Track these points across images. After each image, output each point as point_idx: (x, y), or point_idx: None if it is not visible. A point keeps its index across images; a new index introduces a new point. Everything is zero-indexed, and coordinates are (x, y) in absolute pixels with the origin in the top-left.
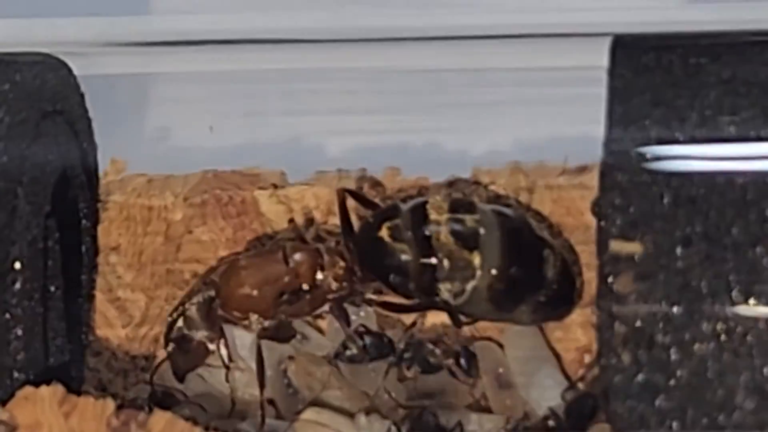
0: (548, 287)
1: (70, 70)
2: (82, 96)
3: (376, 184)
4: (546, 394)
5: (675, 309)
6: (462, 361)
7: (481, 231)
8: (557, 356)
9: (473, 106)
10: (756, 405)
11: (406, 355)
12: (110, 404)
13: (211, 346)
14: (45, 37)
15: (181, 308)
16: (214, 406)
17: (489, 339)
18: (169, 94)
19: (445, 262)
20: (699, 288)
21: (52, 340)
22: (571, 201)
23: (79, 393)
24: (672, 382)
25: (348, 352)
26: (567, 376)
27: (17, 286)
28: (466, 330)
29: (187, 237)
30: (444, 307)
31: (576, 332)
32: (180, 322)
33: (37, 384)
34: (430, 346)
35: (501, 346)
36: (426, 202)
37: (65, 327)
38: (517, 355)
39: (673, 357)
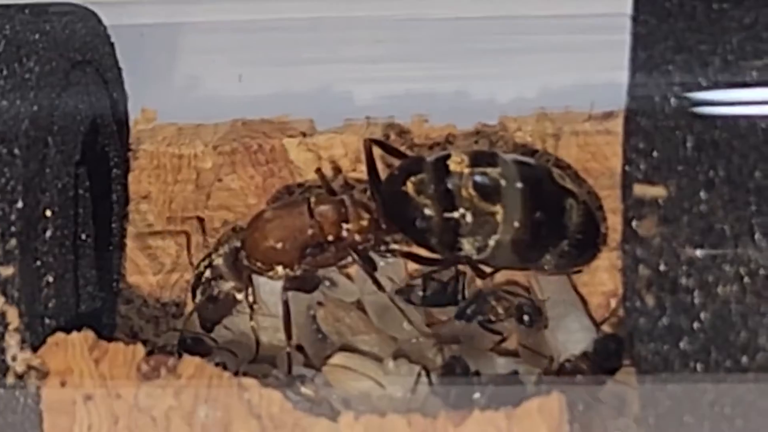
0: (572, 236)
1: (99, 20)
2: (111, 46)
3: (403, 132)
4: (573, 338)
5: (698, 252)
6: (525, 317)
7: (503, 183)
8: (583, 300)
9: (500, 53)
10: None
11: (470, 310)
12: (140, 350)
13: (239, 296)
14: None
15: (207, 259)
16: (244, 351)
17: (516, 284)
18: (199, 44)
19: (468, 216)
20: (722, 231)
21: (83, 288)
22: (597, 146)
23: (110, 340)
24: (696, 324)
25: (409, 295)
26: (593, 320)
27: (48, 233)
28: (500, 276)
29: (217, 185)
30: (466, 260)
31: (602, 276)
32: (207, 273)
33: (68, 330)
34: (493, 301)
35: (528, 290)
36: (448, 156)
37: (96, 275)
38: (543, 299)
39: (697, 300)
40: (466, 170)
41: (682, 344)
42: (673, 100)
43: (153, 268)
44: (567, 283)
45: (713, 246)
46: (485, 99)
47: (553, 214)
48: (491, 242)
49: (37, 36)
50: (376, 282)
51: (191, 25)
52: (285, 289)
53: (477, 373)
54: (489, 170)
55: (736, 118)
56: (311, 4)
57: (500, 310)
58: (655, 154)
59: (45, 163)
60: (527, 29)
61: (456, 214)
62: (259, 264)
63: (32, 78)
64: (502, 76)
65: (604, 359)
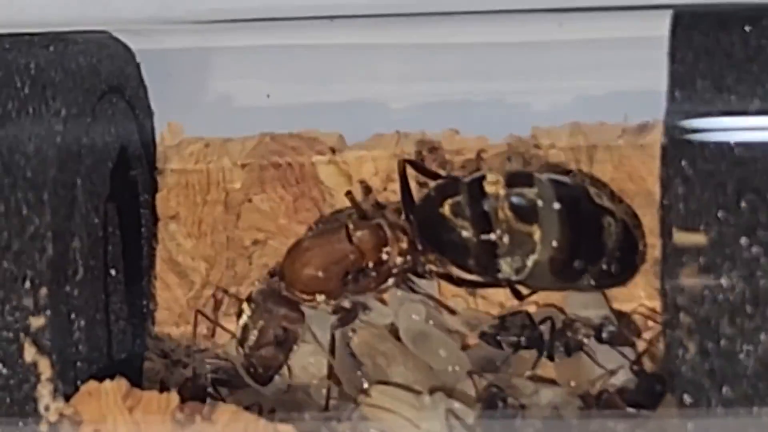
0: (610, 254)
1: (124, 45)
2: (138, 70)
3: (434, 147)
4: (609, 361)
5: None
6: (604, 335)
7: (539, 203)
8: (619, 317)
9: (533, 68)
10: None
11: (557, 344)
12: (174, 398)
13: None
14: (100, 16)
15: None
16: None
17: (553, 306)
18: (227, 65)
19: (505, 238)
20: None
21: (115, 323)
22: (632, 166)
23: (141, 371)
24: (738, 371)
25: (501, 338)
26: (628, 341)
27: (78, 278)
28: (532, 298)
29: (247, 205)
30: (504, 283)
31: (639, 293)
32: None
33: (101, 376)
34: (569, 332)
35: (563, 312)
36: (484, 177)
37: (127, 308)
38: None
39: (739, 347)
40: (502, 191)
41: (724, 390)
42: (712, 144)
43: (183, 287)
44: (604, 303)
45: (754, 292)
46: (518, 110)
47: (591, 233)
48: (529, 263)
49: (62, 74)
50: (445, 307)
51: (219, 49)
52: (334, 327)
53: (522, 406)
54: (525, 191)
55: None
56: (340, 31)
57: (580, 337)
58: (694, 199)
59: (74, 206)
60: (560, 47)
61: (493, 236)
62: (299, 294)
63: (59, 119)
64: (535, 87)
65: (646, 398)
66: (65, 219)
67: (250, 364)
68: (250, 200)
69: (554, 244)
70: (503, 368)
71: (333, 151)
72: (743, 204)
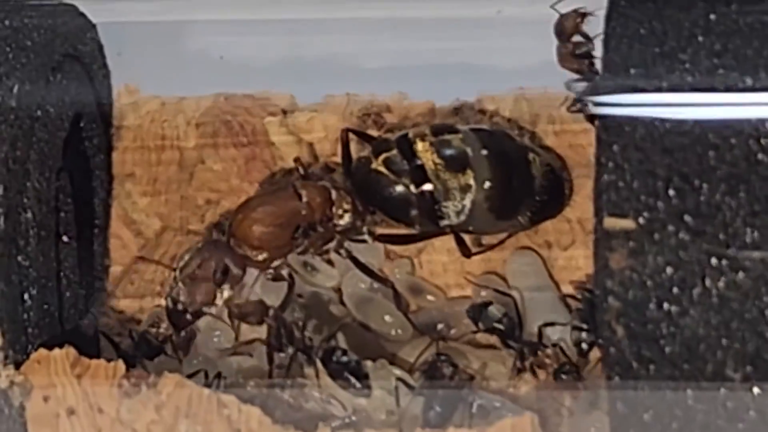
0: (539, 186)
1: (82, 14)
2: (96, 36)
3: (381, 110)
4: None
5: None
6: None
7: (468, 151)
8: (558, 287)
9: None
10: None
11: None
12: (121, 366)
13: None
14: None
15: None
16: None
17: (495, 273)
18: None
19: (440, 186)
20: (690, 263)
21: (67, 287)
22: (573, 134)
23: (91, 356)
24: (664, 353)
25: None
26: (568, 307)
27: (29, 248)
28: (474, 266)
29: (200, 166)
30: (449, 231)
31: (578, 261)
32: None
33: (51, 345)
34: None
35: (504, 279)
36: (408, 132)
37: (80, 272)
38: (520, 288)
39: (665, 330)
40: (431, 139)
41: (651, 370)
42: (641, 130)
43: (137, 243)
44: (543, 269)
45: (682, 279)
46: (466, 75)
47: (519, 169)
48: (467, 203)
49: (16, 50)
50: (380, 279)
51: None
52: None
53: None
54: (451, 137)
55: (705, 149)
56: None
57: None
58: (624, 186)
59: (26, 180)
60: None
61: (429, 186)
62: (246, 249)
63: (12, 95)
64: (482, 49)
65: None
66: (17, 193)
67: (179, 296)
68: (203, 162)
69: (487, 184)
70: (444, 331)
71: (284, 112)
72: (671, 191)
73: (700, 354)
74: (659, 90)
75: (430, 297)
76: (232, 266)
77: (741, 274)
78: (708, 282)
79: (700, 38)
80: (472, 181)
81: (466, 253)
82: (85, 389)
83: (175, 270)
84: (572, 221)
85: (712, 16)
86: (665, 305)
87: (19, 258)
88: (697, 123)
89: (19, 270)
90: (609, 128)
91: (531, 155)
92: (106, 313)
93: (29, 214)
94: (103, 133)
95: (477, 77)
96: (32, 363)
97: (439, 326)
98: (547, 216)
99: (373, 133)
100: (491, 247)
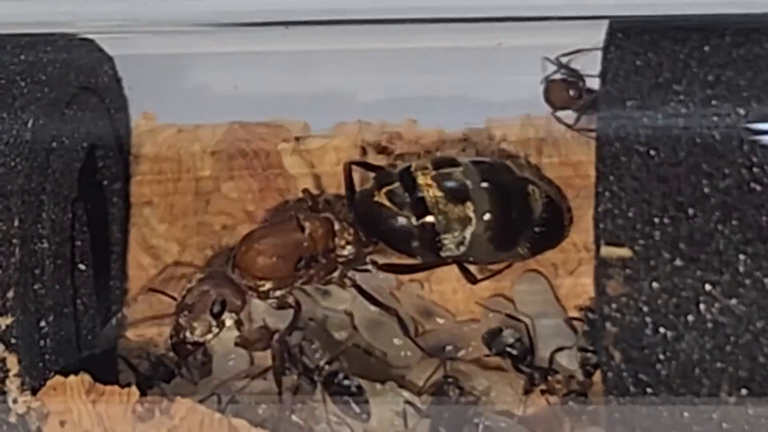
0: (539, 218)
1: (98, 47)
2: (113, 67)
3: (394, 136)
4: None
5: (663, 310)
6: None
7: (468, 183)
8: (565, 310)
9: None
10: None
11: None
12: (135, 392)
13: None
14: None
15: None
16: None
17: (503, 296)
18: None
19: (441, 218)
20: (685, 289)
21: (83, 314)
22: (578, 161)
23: (107, 382)
24: (660, 377)
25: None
26: (575, 330)
27: (45, 277)
28: (482, 288)
29: (216, 193)
30: (451, 261)
31: (585, 283)
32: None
33: (67, 371)
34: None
35: (513, 302)
36: (410, 165)
37: (96, 300)
38: (527, 311)
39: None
40: (432, 173)
41: (648, 393)
42: (637, 160)
43: (156, 267)
44: (549, 291)
45: (677, 305)
46: (475, 101)
47: (518, 202)
48: (467, 234)
49: (30, 84)
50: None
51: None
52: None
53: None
54: (452, 171)
55: (699, 178)
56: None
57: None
58: (621, 215)
59: (41, 211)
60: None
61: (431, 218)
62: (250, 281)
63: (27, 129)
64: (492, 82)
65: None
66: (33, 224)
67: (180, 326)
68: (219, 188)
69: (487, 216)
70: (452, 352)
71: (297, 139)
72: (666, 219)
73: (695, 377)
74: (655, 120)
75: (439, 320)
76: (231, 298)
77: (734, 300)
78: (702, 308)
79: (695, 69)
80: (472, 213)
81: (472, 280)
82: (100, 414)
83: (176, 300)
84: (578, 245)
85: (706, 48)
86: (661, 330)
87: (35, 286)
88: (691, 153)
89: (35, 298)
90: (605, 159)
91: (530, 187)
92: (125, 337)
93: (45, 244)
94: (121, 161)
95: (484, 106)
96: (49, 389)
97: (448, 348)
98: (547, 247)
99: (383, 159)
100: (496, 273)
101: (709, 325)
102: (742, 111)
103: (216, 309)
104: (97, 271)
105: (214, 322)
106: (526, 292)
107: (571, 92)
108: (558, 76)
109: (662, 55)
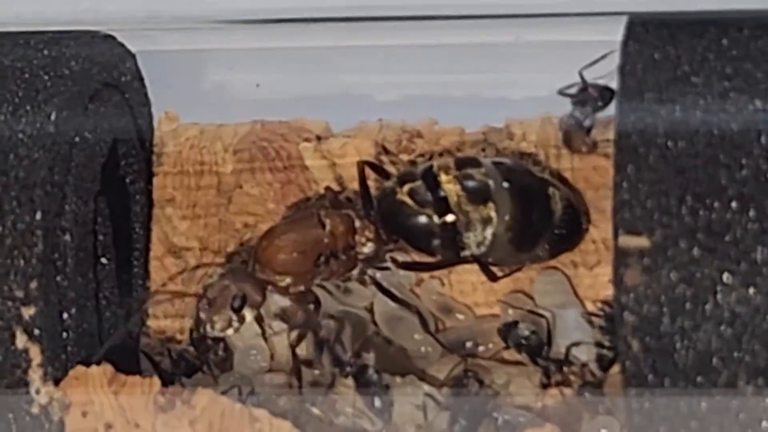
0: (558, 219)
1: (120, 44)
2: (136, 65)
3: (414, 134)
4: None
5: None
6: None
7: (491, 184)
8: (584, 305)
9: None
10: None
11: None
12: (156, 382)
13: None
14: (94, 17)
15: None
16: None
17: (522, 292)
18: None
19: (463, 217)
20: (702, 279)
21: (106, 308)
22: (596, 158)
23: (128, 373)
24: (678, 367)
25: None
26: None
27: (68, 269)
28: (502, 285)
29: (238, 191)
30: (471, 259)
31: (603, 280)
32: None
33: (89, 361)
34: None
35: (532, 297)
36: (432, 164)
37: (118, 293)
38: (546, 304)
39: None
40: (455, 173)
41: (666, 382)
42: (655, 152)
43: (178, 266)
44: (569, 288)
45: (694, 295)
46: (495, 99)
47: (539, 203)
48: (488, 234)
49: (54, 78)
50: (404, 303)
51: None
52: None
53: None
54: (474, 172)
55: (716, 169)
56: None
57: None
58: (638, 205)
59: (64, 203)
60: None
61: (452, 217)
62: (270, 276)
63: (50, 122)
64: (511, 80)
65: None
66: (56, 216)
67: (200, 321)
68: (240, 186)
69: (507, 217)
70: (472, 348)
71: (318, 138)
72: (684, 209)
73: (713, 367)
74: (673, 113)
75: (459, 316)
76: (251, 293)
77: (752, 290)
78: (720, 297)
79: (713, 62)
80: (493, 214)
81: (492, 277)
82: (122, 404)
83: (197, 296)
84: (597, 241)
85: (724, 41)
86: (679, 320)
87: (58, 278)
88: (709, 144)
89: (57, 290)
90: (624, 150)
91: (551, 189)
92: (147, 333)
93: (67, 237)
94: (143, 159)
95: (504, 105)
96: (71, 379)
97: (468, 344)
98: (566, 248)
99: (405, 157)
100: (515, 270)
101: (727, 314)
102: (759, 103)
103: (236, 304)
104: (120, 267)
105: (234, 317)
106: (546, 288)
107: (587, 140)
108: (575, 118)
109: (680, 48)
